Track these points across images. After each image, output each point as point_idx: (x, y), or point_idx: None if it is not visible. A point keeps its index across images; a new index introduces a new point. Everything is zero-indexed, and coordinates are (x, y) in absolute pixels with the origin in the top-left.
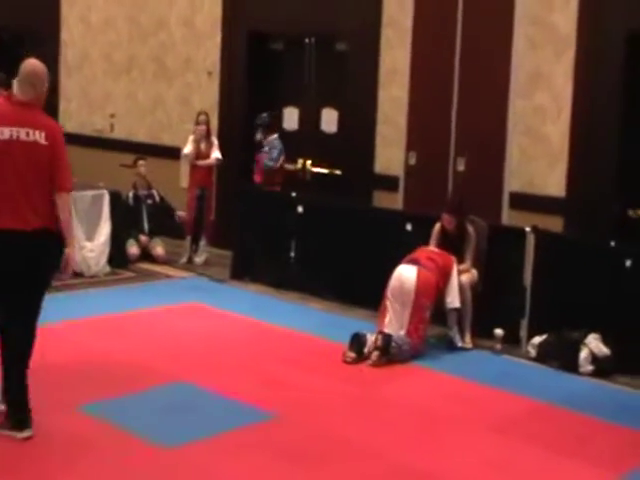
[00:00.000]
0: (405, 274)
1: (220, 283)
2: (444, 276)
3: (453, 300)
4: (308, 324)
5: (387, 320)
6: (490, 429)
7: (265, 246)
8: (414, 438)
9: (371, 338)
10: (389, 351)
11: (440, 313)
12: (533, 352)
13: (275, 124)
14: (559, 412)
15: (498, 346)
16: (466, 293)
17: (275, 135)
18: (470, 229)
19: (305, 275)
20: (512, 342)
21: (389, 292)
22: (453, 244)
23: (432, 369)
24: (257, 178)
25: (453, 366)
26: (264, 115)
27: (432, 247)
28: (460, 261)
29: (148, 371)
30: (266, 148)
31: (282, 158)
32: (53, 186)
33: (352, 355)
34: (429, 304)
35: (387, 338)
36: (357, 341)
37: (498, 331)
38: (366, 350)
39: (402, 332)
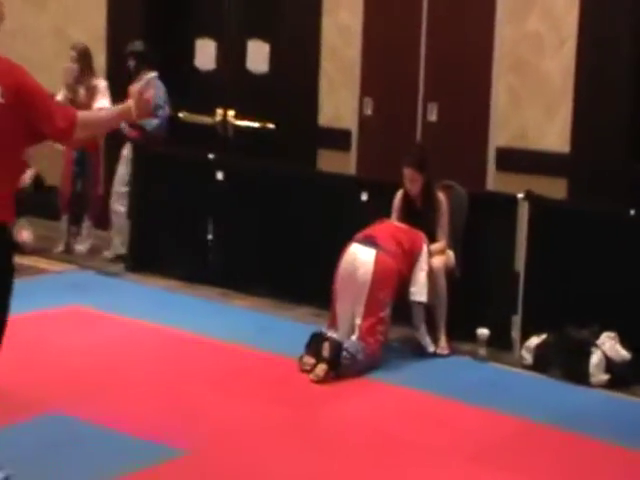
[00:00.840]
0: (360, 258)
1: (113, 278)
2: (409, 260)
3: (419, 291)
4: (232, 329)
5: (337, 318)
6: (469, 459)
7: (173, 227)
8: (368, 473)
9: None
10: (339, 363)
11: (405, 307)
12: (529, 358)
13: (153, 58)
14: (562, 436)
15: (482, 351)
16: (439, 281)
17: (154, 74)
18: (442, 197)
19: (228, 264)
20: (501, 345)
21: (338, 281)
22: (420, 217)
23: (395, 383)
24: (132, 133)
25: (423, 379)
26: (137, 42)
27: (393, 219)
28: (431, 239)
29: (12, 401)
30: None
31: (167, 110)
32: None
33: (310, 360)
34: (389, 299)
35: (336, 346)
36: (316, 342)
37: (482, 331)
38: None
39: (354, 336)
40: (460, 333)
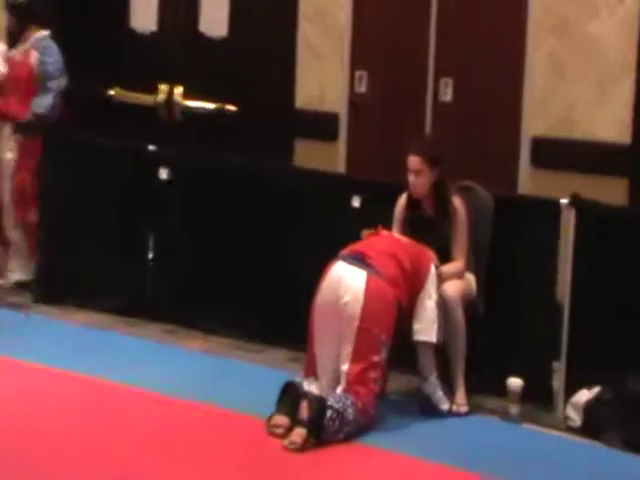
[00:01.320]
0: (347, 282)
1: (17, 312)
2: (412, 287)
3: (426, 328)
4: (180, 379)
5: (317, 364)
6: None
7: (99, 243)
8: None
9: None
10: (322, 426)
11: (409, 350)
12: (577, 418)
13: (42, 12)
14: None
15: (514, 408)
16: (455, 316)
17: (44, 33)
18: (459, 202)
19: (175, 293)
20: (539, 401)
21: (316, 313)
22: (429, 228)
23: (397, 451)
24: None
25: (434, 445)
26: None
27: (395, 233)
28: (444, 259)
29: None
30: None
31: (62, 82)
32: None
33: (283, 420)
34: (385, 337)
35: (317, 404)
36: (291, 397)
37: (514, 382)
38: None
39: (340, 388)
40: (484, 385)
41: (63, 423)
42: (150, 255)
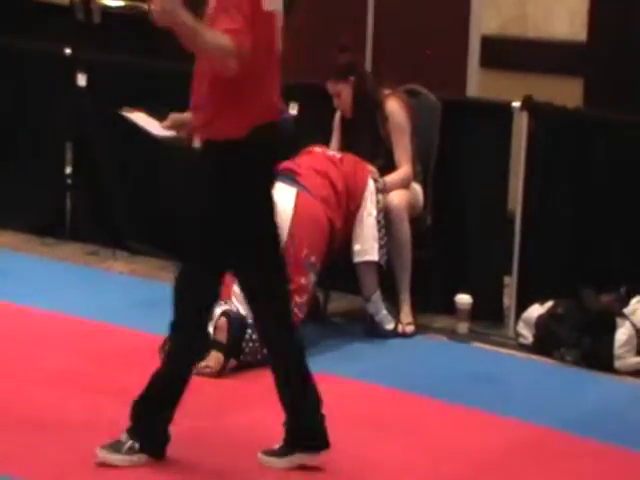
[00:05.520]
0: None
1: None
2: (347, 207)
3: (367, 248)
4: (103, 303)
5: (235, 284)
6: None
7: (11, 158)
8: None
9: (216, 313)
10: (240, 348)
11: (349, 271)
12: (528, 335)
13: None
14: (577, 444)
15: (463, 327)
16: (401, 228)
17: None
18: (393, 105)
19: (97, 211)
20: (489, 318)
21: None
22: (362, 135)
23: (339, 375)
24: None
25: (379, 368)
26: None
27: (332, 148)
28: (384, 167)
29: None
30: None
31: None
32: None
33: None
34: (315, 259)
35: (236, 322)
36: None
37: (463, 298)
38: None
39: None
40: (431, 302)
41: None
42: (68, 169)
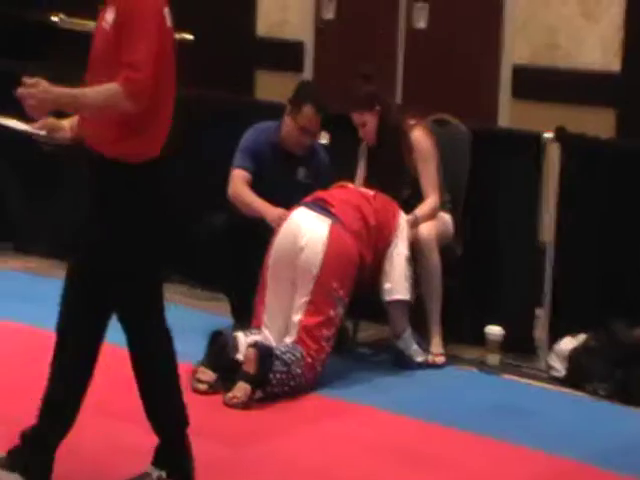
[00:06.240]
0: (307, 229)
1: None
2: (377, 243)
3: (397, 286)
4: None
5: (265, 314)
6: None
7: (35, 184)
8: None
9: (245, 342)
10: (267, 379)
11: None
12: (560, 368)
13: None
14: (606, 477)
15: (493, 359)
16: (430, 259)
17: None
18: (419, 134)
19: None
20: (520, 350)
21: (271, 258)
22: (389, 168)
23: (370, 405)
24: None
25: (408, 400)
26: None
27: (358, 178)
28: (415, 199)
29: None
30: None
31: None
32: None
33: (208, 376)
34: (344, 293)
35: (265, 354)
36: (217, 348)
37: (494, 330)
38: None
39: (289, 339)
40: (462, 333)
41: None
42: None
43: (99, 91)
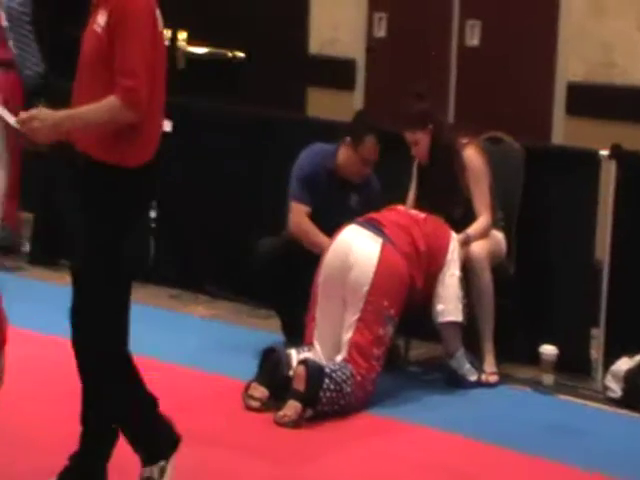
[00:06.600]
0: (358, 248)
1: (10, 274)
2: (428, 267)
3: (450, 308)
4: (179, 346)
5: (316, 331)
6: None
7: None
8: None
9: (297, 359)
10: (317, 397)
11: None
12: (617, 389)
13: None
14: None
15: (548, 378)
16: (482, 278)
17: None
18: (471, 153)
19: (177, 255)
20: (575, 370)
21: (321, 275)
22: (441, 187)
23: (420, 424)
24: None
25: (461, 418)
26: None
27: (410, 197)
28: (459, 224)
29: None
30: None
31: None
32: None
33: (260, 392)
34: (394, 312)
35: (315, 371)
36: (271, 365)
37: (548, 349)
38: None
39: (340, 357)
40: (515, 353)
41: (61, 393)
42: (153, 214)
43: (99, 108)
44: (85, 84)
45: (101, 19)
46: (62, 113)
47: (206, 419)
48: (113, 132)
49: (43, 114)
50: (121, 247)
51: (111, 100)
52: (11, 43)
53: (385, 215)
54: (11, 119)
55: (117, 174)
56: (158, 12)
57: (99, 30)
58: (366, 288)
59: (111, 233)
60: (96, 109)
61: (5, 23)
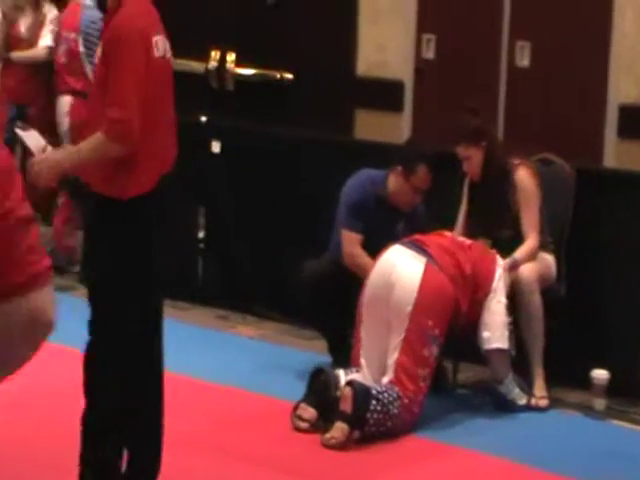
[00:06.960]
0: (402, 267)
1: (60, 293)
2: (474, 292)
3: (496, 335)
4: (226, 367)
5: (362, 351)
6: None
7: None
8: None
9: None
10: (364, 418)
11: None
12: None
13: None
14: None
15: (600, 403)
16: (532, 302)
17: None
18: (523, 174)
19: (227, 275)
20: (627, 395)
21: (365, 299)
22: (491, 206)
23: (471, 449)
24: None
25: (510, 443)
26: None
27: (460, 225)
28: (511, 237)
29: None
30: None
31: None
32: None
33: (309, 413)
34: (439, 333)
35: (362, 392)
36: (320, 385)
37: (599, 374)
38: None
39: (386, 379)
40: (566, 377)
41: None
42: (201, 235)
43: (88, 144)
44: (93, 115)
45: (99, 50)
46: (60, 154)
47: (254, 440)
48: (112, 165)
49: (41, 158)
50: (127, 275)
51: (97, 136)
52: (88, 69)
53: (430, 237)
54: (35, 146)
55: (118, 205)
56: (159, 38)
57: (98, 62)
58: (409, 308)
59: (111, 265)
60: (87, 146)
61: (82, 49)
